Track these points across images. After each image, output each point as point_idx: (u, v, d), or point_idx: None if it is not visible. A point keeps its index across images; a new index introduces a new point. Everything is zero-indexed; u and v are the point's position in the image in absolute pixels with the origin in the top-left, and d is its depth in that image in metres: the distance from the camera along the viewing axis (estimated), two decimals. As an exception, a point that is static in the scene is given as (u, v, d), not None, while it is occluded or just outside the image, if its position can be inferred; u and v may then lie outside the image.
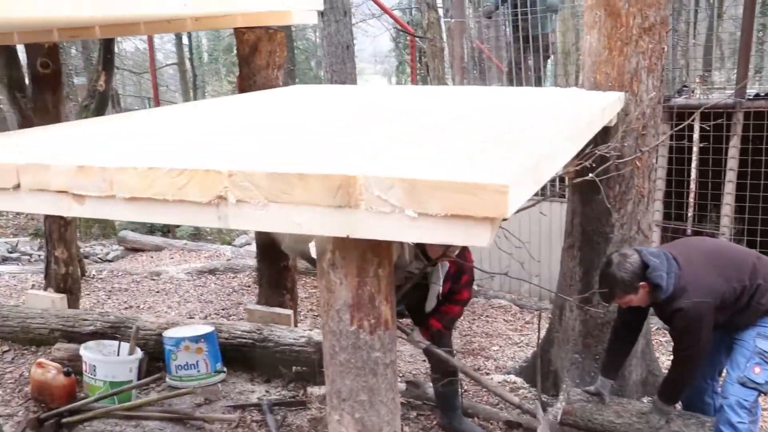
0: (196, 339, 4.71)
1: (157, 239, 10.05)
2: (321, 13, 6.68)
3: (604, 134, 3.54)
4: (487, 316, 6.63)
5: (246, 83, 4.46)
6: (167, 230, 11.66)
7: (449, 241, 1.55)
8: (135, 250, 9.81)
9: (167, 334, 4.80)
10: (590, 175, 3.28)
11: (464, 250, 3.75)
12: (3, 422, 4.79)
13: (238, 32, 4.41)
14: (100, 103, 6.01)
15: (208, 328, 4.86)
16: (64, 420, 4.32)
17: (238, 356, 4.92)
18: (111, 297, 7.05)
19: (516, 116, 2.74)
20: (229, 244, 10.52)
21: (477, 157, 1.83)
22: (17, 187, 2.13)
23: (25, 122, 5.76)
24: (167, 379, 4.73)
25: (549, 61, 8.25)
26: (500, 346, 5.90)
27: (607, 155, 3.48)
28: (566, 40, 8.42)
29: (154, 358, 4.94)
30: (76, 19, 3.76)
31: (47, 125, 4.84)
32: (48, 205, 2.12)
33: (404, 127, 2.51)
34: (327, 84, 8.59)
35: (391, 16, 13.20)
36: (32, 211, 2.23)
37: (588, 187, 3.66)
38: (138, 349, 4.72)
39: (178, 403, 4.55)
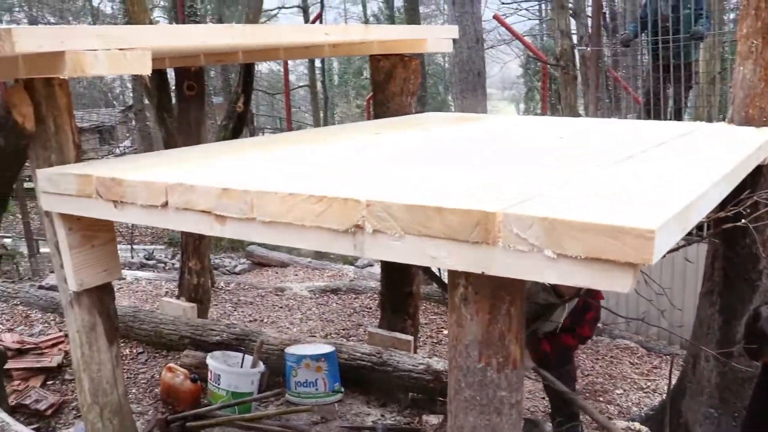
0: (317, 357, 4.80)
1: (283, 256, 10.36)
2: (453, 40, 6.73)
3: (755, 174, 3.33)
4: (611, 356, 6.39)
5: (380, 109, 4.54)
6: (292, 248, 11.99)
7: (587, 285, 1.50)
8: (261, 264, 10.16)
9: (289, 350, 4.92)
10: (742, 221, 3.05)
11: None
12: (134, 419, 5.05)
13: (374, 59, 4.50)
14: (238, 123, 6.28)
15: (329, 348, 4.94)
16: (189, 424, 4.51)
17: (356, 378, 4.96)
18: (237, 309, 7.32)
19: (660, 153, 2.63)
20: (352, 264, 10.69)
21: (620, 198, 1.77)
22: (165, 205, 2.27)
23: (170, 140, 6.11)
24: (286, 395, 4.84)
25: (690, 91, 7.89)
26: (624, 390, 5.66)
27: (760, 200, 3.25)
28: (711, 69, 8.03)
29: (274, 372, 5.07)
30: (224, 47, 3.97)
31: (191, 145, 5.14)
32: (192, 223, 2.24)
33: (541, 162, 2.47)
34: (456, 111, 8.63)
35: (523, 43, 13.10)
36: (177, 228, 2.36)
37: (733, 229, 3.45)
38: (261, 363, 4.87)
39: (295, 419, 4.65)
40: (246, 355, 4.96)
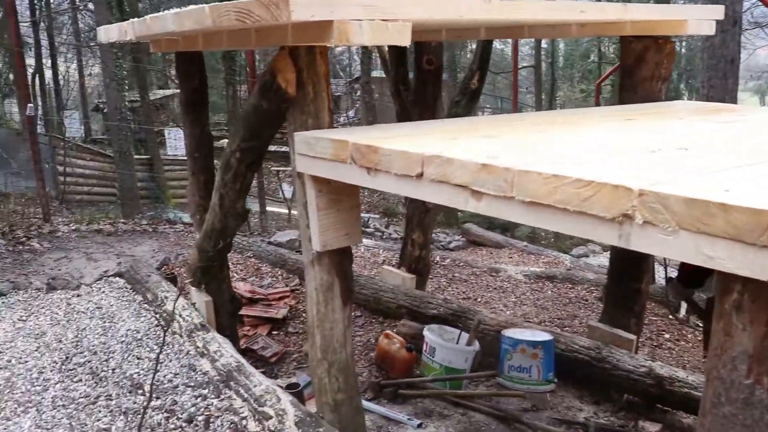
0: (534, 344, 4.70)
1: (498, 236, 10.30)
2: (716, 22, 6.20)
3: None
4: None
5: (626, 94, 4.29)
6: (506, 228, 11.90)
7: None
8: (476, 243, 10.17)
9: (506, 333, 4.86)
10: None
11: None
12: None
13: (625, 41, 4.25)
14: (471, 100, 6.28)
15: (547, 336, 4.82)
16: (401, 391, 4.62)
17: (571, 370, 4.80)
18: (451, 285, 7.37)
19: None
20: (565, 252, 10.40)
21: None
22: (420, 175, 2.28)
23: (403, 113, 6.24)
24: (498, 378, 4.81)
25: None
26: None
27: None
28: None
29: (486, 352, 5.04)
30: (475, 22, 3.94)
31: (426, 119, 5.21)
32: (446, 196, 2.23)
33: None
34: (700, 100, 8.00)
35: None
36: (430, 200, 2.37)
37: None
38: (476, 342, 4.86)
39: (504, 403, 4.60)
40: (462, 333, 4.98)
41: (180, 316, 4.92)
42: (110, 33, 4.19)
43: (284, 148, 16.41)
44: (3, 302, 5.65)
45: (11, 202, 9.84)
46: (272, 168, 19.47)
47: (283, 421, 3.38)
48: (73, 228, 8.60)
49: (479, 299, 7.03)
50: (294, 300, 6.37)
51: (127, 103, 12.31)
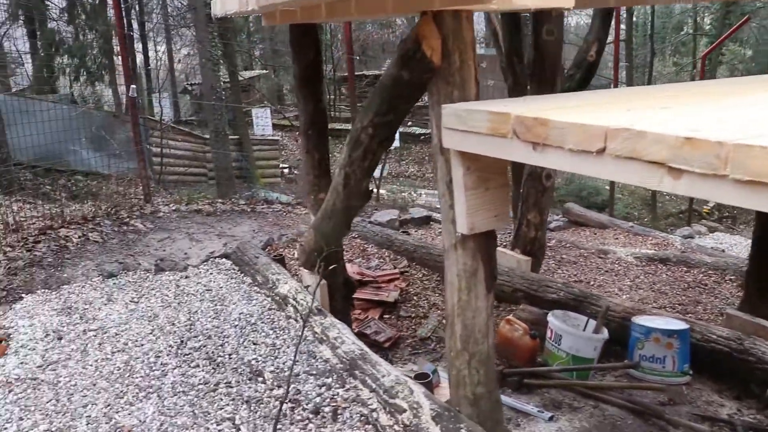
0: (668, 333, 4.36)
1: (602, 217, 9.85)
2: None
3: None
4: None
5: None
6: (603, 207, 11.40)
7: None
8: (578, 224, 9.75)
9: (638, 320, 4.53)
10: None
11: None
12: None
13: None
14: (587, 73, 5.88)
15: (683, 325, 4.46)
16: (526, 380, 4.36)
17: (707, 362, 4.45)
18: (560, 267, 7.04)
19: None
20: (667, 233, 9.82)
21: None
22: (602, 151, 2.00)
23: (516, 89, 5.93)
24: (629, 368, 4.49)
25: None
26: None
27: None
28: None
29: (611, 340, 4.72)
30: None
31: (544, 93, 4.88)
32: (634, 175, 1.95)
33: None
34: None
35: None
36: (613, 179, 2.09)
37: None
38: (605, 329, 4.55)
39: (638, 395, 4.28)
40: (589, 320, 4.66)
41: (294, 299, 4.78)
42: (228, 5, 4.02)
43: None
44: (114, 283, 5.65)
45: (113, 184, 9.99)
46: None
47: (418, 415, 3.17)
48: (173, 208, 8.63)
49: (591, 282, 6.66)
50: (404, 282, 6.16)
51: (222, 83, 12.33)
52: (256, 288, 5.37)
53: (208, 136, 16.65)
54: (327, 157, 4.81)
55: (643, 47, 28.30)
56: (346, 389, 3.73)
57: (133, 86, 8.28)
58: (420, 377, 3.93)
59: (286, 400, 3.58)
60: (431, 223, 8.99)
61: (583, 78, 5.96)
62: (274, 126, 19.54)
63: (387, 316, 5.77)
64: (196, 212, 8.64)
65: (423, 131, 24.94)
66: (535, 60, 5.29)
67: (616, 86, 12.07)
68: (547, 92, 5.07)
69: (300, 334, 3.99)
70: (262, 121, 17.30)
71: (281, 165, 20.01)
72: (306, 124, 4.69)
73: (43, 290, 5.48)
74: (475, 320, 3.05)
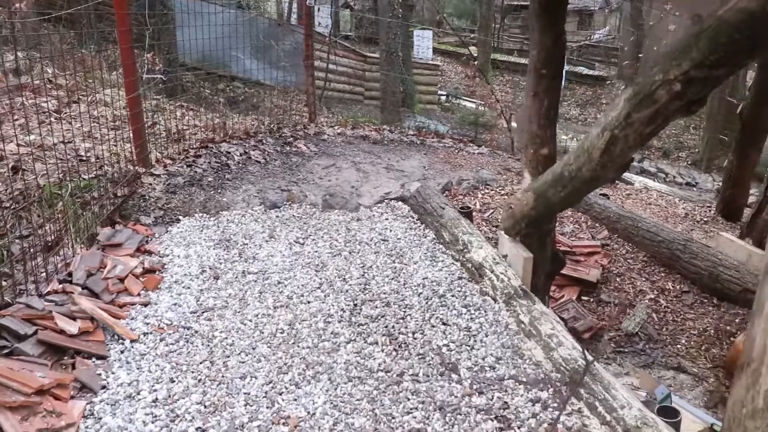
0: None
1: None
2: None
3: None
4: None
5: None
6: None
7: None
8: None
9: None
10: None
11: None
12: (694, 384, 4.04)
13: None
14: None
15: None
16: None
17: None
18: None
19: None
20: None
21: None
22: None
23: None
24: None
25: None
26: None
27: None
28: None
29: None
30: None
31: None
32: None
33: None
34: None
35: None
36: None
37: None
38: None
39: None
40: None
41: (492, 272, 3.90)
42: None
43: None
44: (278, 216, 4.98)
45: (275, 96, 9.37)
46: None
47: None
48: (338, 131, 7.90)
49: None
50: (606, 259, 5.14)
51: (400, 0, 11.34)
52: (441, 247, 4.52)
53: (371, 54, 15.89)
54: (557, 105, 3.81)
55: None
56: (568, 413, 2.84)
57: (311, -8, 7.47)
58: (665, 413, 2.98)
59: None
60: (618, 183, 7.83)
61: None
62: (433, 50, 18.49)
63: (585, 298, 4.81)
64: (363, 138, 7.87)
65: (590, 72, 23.05)
66: None
67: None
68: None
69: (579, 373, 3.07)
70: (424, 43, 16.28)
71: (439, 92, 19.03)
72: (540, 62, 3.68)
73: (201, 214, 4.89)
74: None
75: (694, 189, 9.06)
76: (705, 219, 6.75)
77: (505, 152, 9.02)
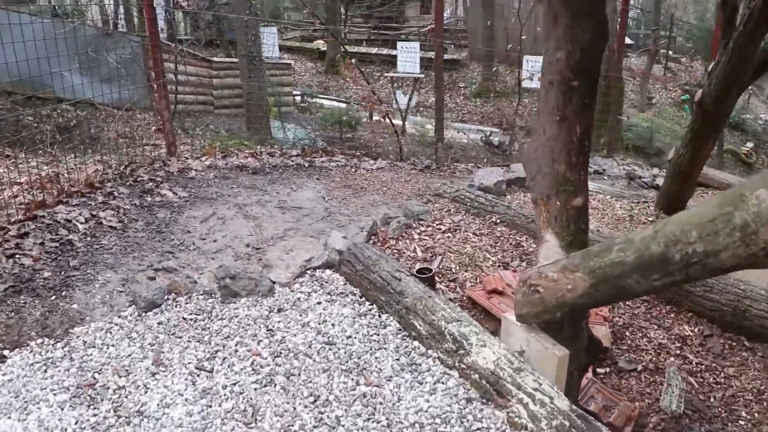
0: None
1: None
2: None
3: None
4: None
5: None
6: None
7: None
8: None
9: None
10: None
11: None
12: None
13: None
14: None
15: None
16: None
17: None
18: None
19: None
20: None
21: None
22: None
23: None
24: None
25: None
26: None
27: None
28: None
29: None
30: None
31: None
32: None
33: None
34: None
35: None
36: None
37: None
38: None
39: None
40: None
41: (518, 387, 2.57)
42: None
43: (392, 51, 13.83)
44: (161, 323, 3.36)
45: (118, 122, 7.53)
46: (385, 74, 16.95)
47: None
48: (208, 164, 6.26)
49: None
50: (605, 308, 3.96)
51: (255, -7, 9.67)
52: (416, 344, 3.13)
53: (217, 59, 14.10)
54: (590, 132, 2.52)
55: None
56: None
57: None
58: None
59: None
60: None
61: None
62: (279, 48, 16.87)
63: (601, 370, 3.60)
64: (240, 169, 6.29)
65: (444, 56, 22.27)
66: None
67: None
68: None
69: None
70: (269, 40, 14.76)
71: (294, 93, 17.47)
72: (569, 68, 2.38)
73: (41, 340, 3.18)
74: None
75: (605, 177, 8.22)
76: (648, 219, 5.85)
77: (404, 162, 7.73)
